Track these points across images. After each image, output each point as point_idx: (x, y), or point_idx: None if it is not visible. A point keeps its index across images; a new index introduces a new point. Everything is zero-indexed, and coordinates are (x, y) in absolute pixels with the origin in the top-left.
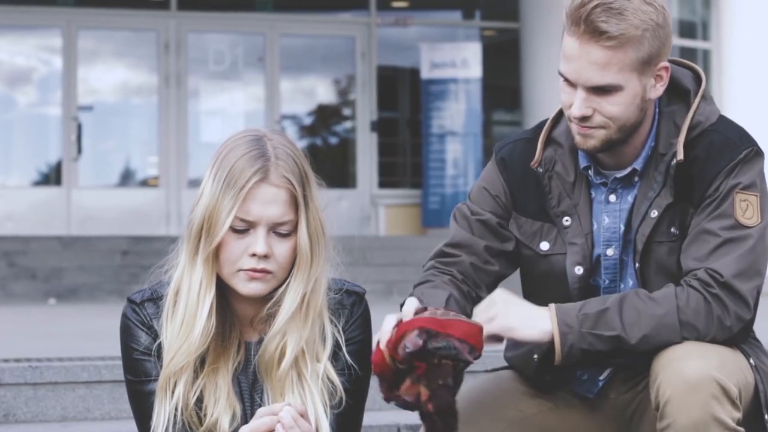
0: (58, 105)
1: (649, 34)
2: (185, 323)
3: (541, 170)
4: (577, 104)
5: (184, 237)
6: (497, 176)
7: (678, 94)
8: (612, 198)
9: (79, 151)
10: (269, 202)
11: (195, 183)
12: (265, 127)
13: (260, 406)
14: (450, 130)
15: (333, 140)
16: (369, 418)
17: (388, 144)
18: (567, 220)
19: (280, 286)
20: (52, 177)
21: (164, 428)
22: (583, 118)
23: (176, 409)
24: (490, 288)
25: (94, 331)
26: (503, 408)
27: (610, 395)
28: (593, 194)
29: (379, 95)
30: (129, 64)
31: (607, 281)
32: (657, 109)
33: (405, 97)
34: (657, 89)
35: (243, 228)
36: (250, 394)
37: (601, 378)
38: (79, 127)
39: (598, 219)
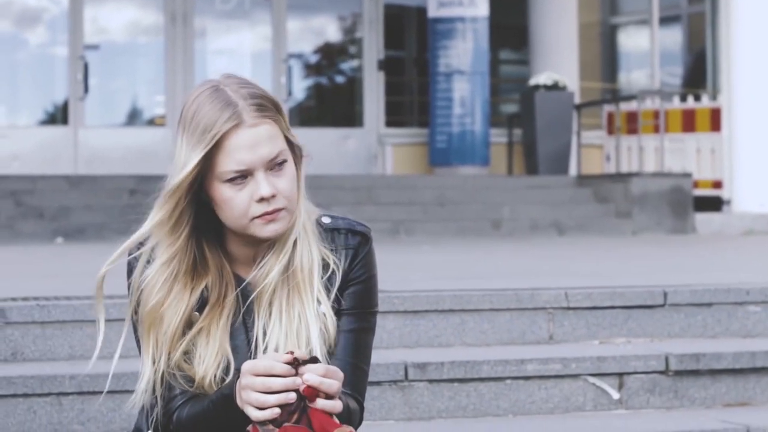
0: (65, 44)
1: None
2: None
3: None
4: None
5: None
6: None
7: None
8: None
9: (86, 90)
10: (255, 144)
11: None
12: (271, 65)
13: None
14: (457, 69)
15: (339, 79)
16: (377, 356)
17: (394, 83)
18: None
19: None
20: (59, 116)
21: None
22: None
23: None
24: None
25: None
26: None
27: None
28: None
29: (386, 34)
30: (136, 3)
31: None
32: None
33: (412, 36)
34: None
35: (240, 177)
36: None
37: None
38: (86, 67)
39: None
